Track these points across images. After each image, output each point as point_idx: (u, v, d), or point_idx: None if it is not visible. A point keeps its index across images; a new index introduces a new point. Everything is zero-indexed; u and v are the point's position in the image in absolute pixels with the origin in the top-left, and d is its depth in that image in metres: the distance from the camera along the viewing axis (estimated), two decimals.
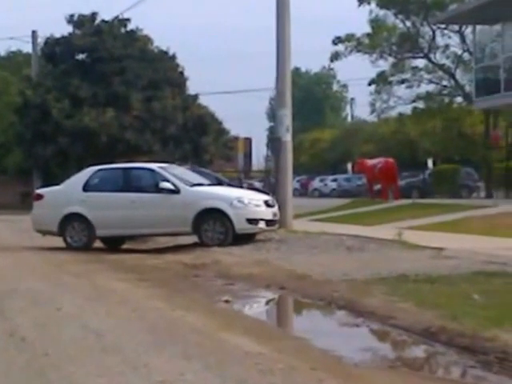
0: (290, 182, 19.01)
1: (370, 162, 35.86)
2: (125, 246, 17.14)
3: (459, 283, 9.01)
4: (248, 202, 15.61)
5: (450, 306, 7.53)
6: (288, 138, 18.53)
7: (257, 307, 9.62)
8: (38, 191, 18.17)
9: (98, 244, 16.74)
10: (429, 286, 9.02)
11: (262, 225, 15.62)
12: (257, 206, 15.68)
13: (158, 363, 5.74)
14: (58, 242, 16.45)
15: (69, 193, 16.71)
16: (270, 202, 16.18)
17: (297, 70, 74.33)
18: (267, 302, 9.98)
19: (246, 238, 15.50)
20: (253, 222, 15.49)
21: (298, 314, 9.00)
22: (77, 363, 5.78)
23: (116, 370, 5.57)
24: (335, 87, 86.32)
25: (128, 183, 16.48)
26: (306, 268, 11.10)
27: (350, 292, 8.83)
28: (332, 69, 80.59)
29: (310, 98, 77.69)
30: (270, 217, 15.86)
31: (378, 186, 35.88)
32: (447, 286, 8.82)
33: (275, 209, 16.25)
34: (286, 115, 18.55)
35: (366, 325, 7.58)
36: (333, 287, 9.27)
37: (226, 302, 8.94)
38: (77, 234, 16.33)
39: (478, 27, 29.42)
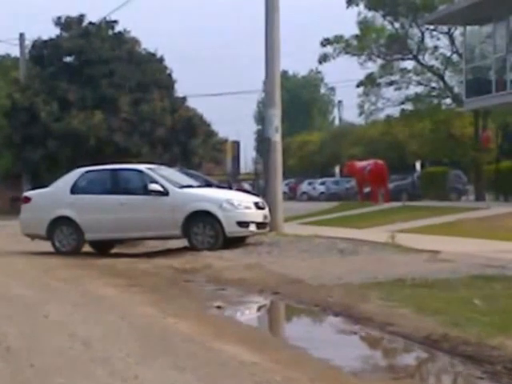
0: (280, 184, 18.73)
1: (360, 164, 35.72)
2: (114, 251, 16.84)
3: (458, 288, 8.77)
4: (238, 204, 15.33)
5: (450, 311, 7.29)
6: (277, 138, 18.29)
7: (250, 313, 9.36)
8: (26, 194, 17.85)
9: (87, 248, 16.41)
10: (426, 290, 8.78)
11: (252, 227, 15.35)
12: (247, 208, 15.41)
13: (149, 375, 5.48)
14: (47, 246, 16.16)
15: (57, 195, 16.41)
16: (261, 204, 15.91)
17: (284, 74, 74.07)
18: (261, 308, 9.73)
19: (236, 242, 15.23)
20: (243, 224, 15.21)
21: (293, 321, 8.70)
22: (64, 375, 5.52)
23: (105, 382, 5.29)
24: (322, 90, 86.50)
25: (116, 185, 16.19)
26: (299, 272, 10.85)
27: (345, 297, 8.58)
28: (320, 72, 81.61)
29: (298, 101, 77.56)
30: (260, 219, 15.58)
31: (367, 189, 35.74)
32: (446, 291, 8.58)
33: (266, 211, 15.98)
34: (276, 115, 18.31)
35: (364, 332, 7.32)
36: (327, 292, 9.01)
37: (218, 308, 8.67)
38: (65, 237, 16.03)
39: (468, 28, 29.31)
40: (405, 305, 7.74)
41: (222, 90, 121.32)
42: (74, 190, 16.27)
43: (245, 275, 11.14)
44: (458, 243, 14.63)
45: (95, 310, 8.29)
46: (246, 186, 34.27)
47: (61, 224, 16.02)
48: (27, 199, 17.03)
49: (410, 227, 19.54)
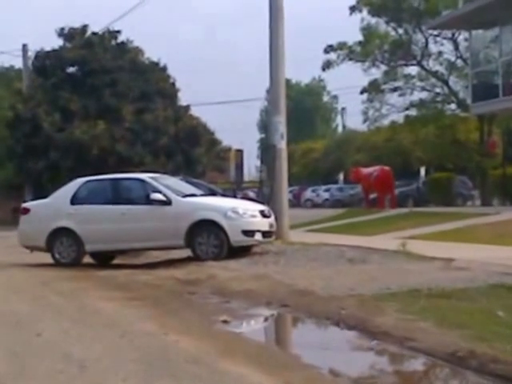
0: (286, 191, 18.31)
1: (366, 170, 35.36)
2: (115, 261, 16.37)
3: (478, 298, 8.25)
4: (243, 213, 14.85)
5: (474, 324, 6.77)
6: (283, 145, 17.93)
7: (258, 328, 8.80)
8: (25, 205, 17.34)
9: (87, 259, 15.94)
10: (444, 301, 8.26)
11: (258, 236, 14.85)
12: (252, 216, 14.93)
13: None
14: (48, 258, 15.71)
15: (56, 206, 15.98)
16: (266, 212, 15.41)
17: (287, 82, 73.85)
18: (269, 323, 9.17)
19: (241, 251, 14.74)
20: (249, 233, 14.73)
21: (305, 337, 8.06)
22: None
23: None
24: (325, 98, 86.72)
25: (117, 195, 15.73)
26: (308, 282, 10.34)
27: (359, 309, 8.06)
28: (322, 80, 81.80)
29: (301, 109, 77.47)
30: (266, 228, 15.09)
31: (373, 195, 35.35)
32: (465, 302, 8.06)
33: (272, 219, 15.50)
34: (281, 122, 17.93)
35: (381, 348, 6.76)
36: (339, 304, 8.49)
37: (224, 322, 8.13)
38: (65, 249, 15.61)
39: (474, 32, 28.94)
40: (424, 317, 7.22)
41: (226, 98, 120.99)
42: (74, 200, 15.83)
43: (251, 286, 10.63)
44: (471, 250, 14.17)
45: (92, 327, 7.75)
46: (251, 194, 33.86)
47: (60, 235, 15.60)
48: (26, 210, 16.57)
49: (419, 234, 19.11)
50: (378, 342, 6.87)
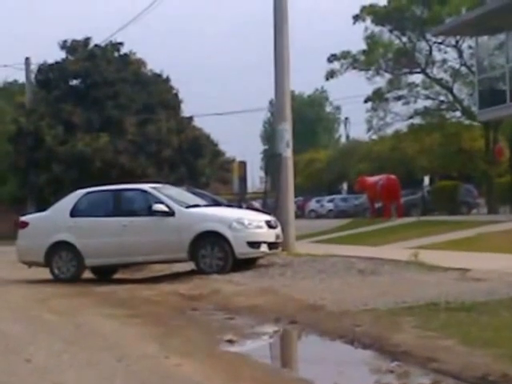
0: (292, 201, 17.82)
1: (371, 179, 35.01)
2: (117, 276, 15.82)
3: (501, 312, 7.71)
4: (248, 224, 14.31)
5: (501, 342, 6.21)
6: (289, 153, 17.49)
7: (266, 349, 8.21)
8: (23, 218, 16.67)
9: (87, 274, 15.40)
10: (465, 315, 7.72)
11: (264, 248, 14.31)
12: (258, 227, 14.39)
13: None
14: (48, 273, 15.19)
15: (55, 219, 15.48)
16: (273, 223, 14.87)
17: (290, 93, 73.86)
18: (278, 342, 8.57)
19: (246, 263, 14.21)
20: (254, 245, 14.20)
21: (318, 358, 7.33)
22: None
23: None
24: (328, 109, 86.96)
25: (119, 206, 15.22)
26: (318, 296, 9.79)
27: (374, 326, 7.51)
28: (325, 91, 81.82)
29: (303, 119, 77.51)
30: (272, 239, 14.55)
31: (378, 204, 34.97)
32: (489, 316, 7.51)
33: (278, 230, 14.96)
34: (286, 130, 17.48)
35: (403, 371, 6.13)
36: (353, 320, 7.94)
37: (230, 342, 7.56)
38: (64, 264, 15.09)
39: (480, 38, 28.55)
40: (446, 334, 6.66)
41: (229, 109, 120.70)
42: (74, 212, 15.32)
43: (258, 301, 10.08)
44: (486, 259, 13.70)
45: (88, 350, 7.15)
46: (256, 204, 33.41)
47: (59, 249, 15.10)
48: (24, 224, 16.06)
49: (428, 243, 18.62)
50: (399, 363, 6.26)
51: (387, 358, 6.49)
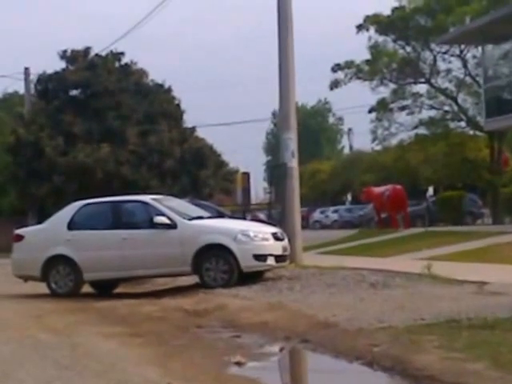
0: (298, 212, 17.30)
1: (377, 189, 34.62)
2: (118, 290, 15.25)
3: None
4: (254, 236, 13.76)
5: None
6: (294, 163, 17.02)
7: (277, 372, 7.60)
8: (18, 231, 16.06)
9: (87, 288, 14.82)
10: (489, 333, 7.16)
11: (270, 261, 13.76)
12: (264, 239, 13.84)
13: None
14: (45, 288, 14.64)
15: (52, 232, 14.94)
16: (279, 235, 14.32)
17: None
18: (289, 364, 7.96)
19: (253, 277, 13.64)
20: (260, 258, 13.65)
21: (333, 382, 6.86)
22: None
23: None
24: (331, 120, 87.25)
25: (118, 219, 14.67)
26: (329, 312, 9.22)
27: (393, 346, 6.93)
28: (327, 102, 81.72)
29: (307, 131, 77.42)
30: (279, 251, 13.99)
31: (384, 215, 34.52)
32: None
33: (285, 242, 14.40)
34: (291, 139, 17.01)
35: None
36: (369, 339, 7.37)
37: (238, 364, 6.99)
38: (62, 278, 14.55)
39: (486, 46, 28.15)
40: (474, 356, 6.09)
41: (231, 119, 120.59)
42: (72, 225, 14.79)
43: (266, 318, 9.51)
44: (501, 272, 13.22)
45: (82, 375, 6.53)
46: (261, 215, 32.91)
47: (57, 263, 14.57)
48: (19, 237, 15.49)
49: (438, 254, 18.18)
50: None
51: (411, 383, 5.91)
